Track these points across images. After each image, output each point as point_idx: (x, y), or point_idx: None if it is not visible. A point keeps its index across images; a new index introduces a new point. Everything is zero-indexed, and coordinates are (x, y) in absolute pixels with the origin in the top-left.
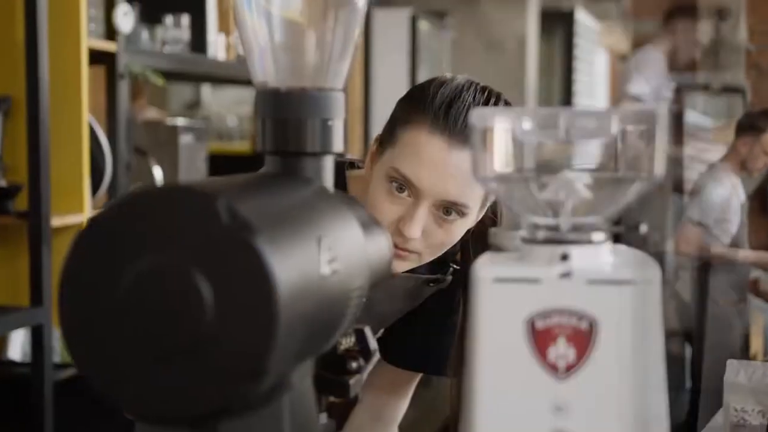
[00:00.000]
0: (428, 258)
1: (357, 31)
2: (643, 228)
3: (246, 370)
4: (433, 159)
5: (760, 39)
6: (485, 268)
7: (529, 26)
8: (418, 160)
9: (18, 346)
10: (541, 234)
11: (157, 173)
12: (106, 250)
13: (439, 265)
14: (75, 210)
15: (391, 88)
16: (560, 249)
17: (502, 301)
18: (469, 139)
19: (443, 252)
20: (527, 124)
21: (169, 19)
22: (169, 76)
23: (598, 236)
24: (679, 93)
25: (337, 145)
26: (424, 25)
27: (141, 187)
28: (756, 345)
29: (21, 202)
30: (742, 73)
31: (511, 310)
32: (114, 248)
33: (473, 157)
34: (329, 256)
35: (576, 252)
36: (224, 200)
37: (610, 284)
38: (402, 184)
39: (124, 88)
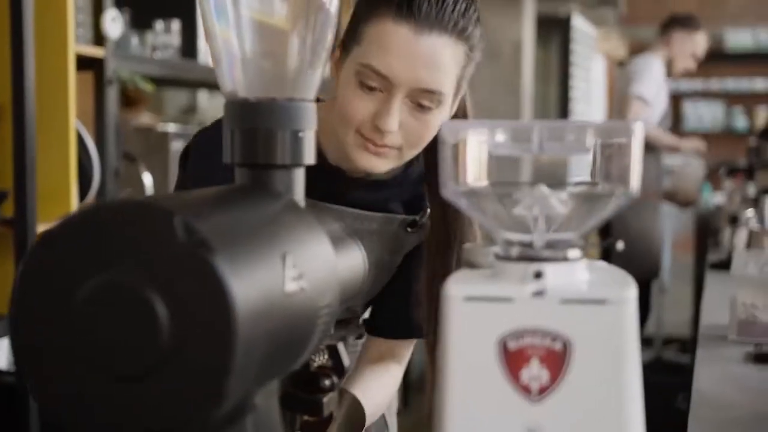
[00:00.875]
0: (408, 154)
1: (330, 39)
2: (620, 245)
3: (204, 392)
4: (401, 47)
5: None
6: (456, 285)
7: (525, 32)
8: (386, 50)
9: (4, 354)
10: (515, 251)
11: (147, 180)
12: (59, 266)
13: (414, 206)
14: (62, 217)
15: None
16: (534, 267)
17: (473, 320)
18: (436, 24)
19: (422, 148)
20: (500, 138)
21: (159, 25)
22: (161, 81)
23: (574, 253)
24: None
25: (309, 157)
26: None
27: (97, 202)
28: None
29: (7, 209)
30: None
31: (482, 330)
32: (67, 264)
33: (443, 171)
34: (295, 273)
35: (550, 270)
36: (181, 216)
37: (585, 304)
38: (372, 79)
39: (112, 94)
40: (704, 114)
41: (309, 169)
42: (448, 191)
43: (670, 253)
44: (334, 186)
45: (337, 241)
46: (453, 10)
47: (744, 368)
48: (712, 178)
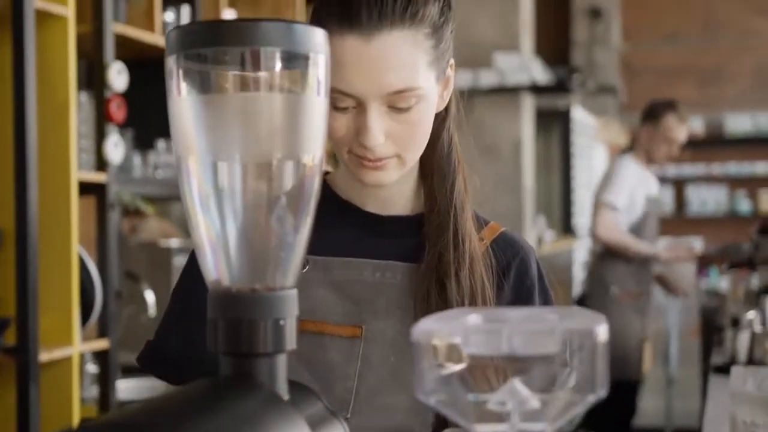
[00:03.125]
0: (412, 157)
1: (308, 227)
2: None
3: None
4: (354, 60)
5: (633, 39)
6: None
7: (525, 129)
8: (340, 67)
9: None
10: None
11: (150, 297)
12: None
13: None
14: (64, 343)
15: None
16: None
17: None
18: (381, 23)
19: (423, 146)
20: (473, 338)
21: (161, 144)
22: (164, 199)
23: None
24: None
25: (290, 343)
26: None
27: (79, 425)
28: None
29: (9, 337)
30: (615, 72)
31: None
32: None
33: (417, 371)
34: None
35: None
36: None
37: None
38: (341, 100)
39: (114, 218)
40: (707, 198)
41: (328, 211)
42: (421, 389)
43: (678, 343)
44: (355, 229)
45: (318, 425)
46: (395, 2)
47: None
48: (718, 263)
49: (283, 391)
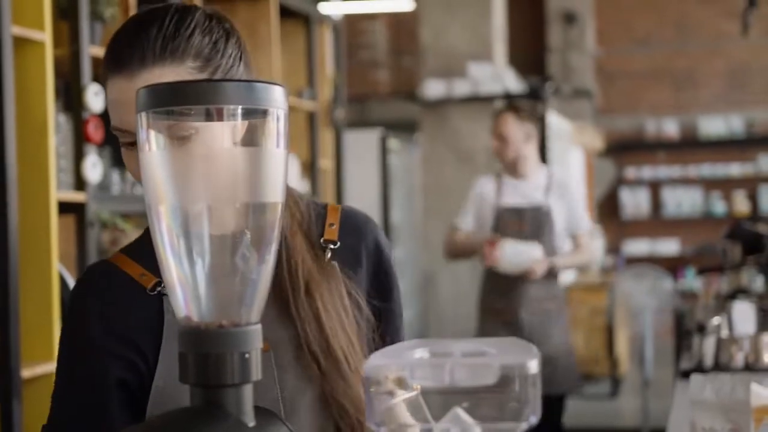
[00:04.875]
0: None
1: (271, 265)
2: None
3: None
4: (121, 98)
5: (607, 44)
6: None
7: None
8: (115, 107)
9: None
10: None
11: None
12: None
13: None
14: (46, 359)
15: (363, 207)
16: None
17: None
18: (144, 62)
19: None
20: (418, 371)
21: None
22: (143, 214)
23: None
24: None
25: (256, 374)
26: (393, 143)
27: None
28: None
29: None
30: (590, 76)
31: None
32: None
33: (367, 401)
34: None
35: None
36: None
37: None
38: (124, 136)
39: (93, 236)
40: (683, 200)
41: None
42: (372, 419)
43: (653, 343)
44: None
45: None
46: (156, 41)
47: None
48: (694, 262)
49: (249, 418)
